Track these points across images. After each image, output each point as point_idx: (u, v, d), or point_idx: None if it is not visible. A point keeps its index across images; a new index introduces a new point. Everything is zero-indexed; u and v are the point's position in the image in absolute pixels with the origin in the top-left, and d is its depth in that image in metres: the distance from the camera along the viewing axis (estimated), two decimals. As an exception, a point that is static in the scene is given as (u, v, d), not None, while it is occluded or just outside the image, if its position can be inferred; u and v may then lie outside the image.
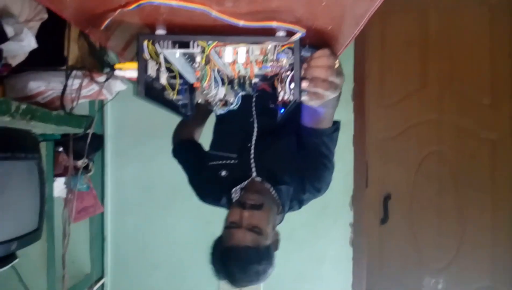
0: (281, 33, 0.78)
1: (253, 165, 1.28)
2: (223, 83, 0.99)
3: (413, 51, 2.59)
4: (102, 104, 2.30)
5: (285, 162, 1.28)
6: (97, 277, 2.46)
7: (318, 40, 0.83)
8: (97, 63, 1.58)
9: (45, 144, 1.62)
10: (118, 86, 1.62)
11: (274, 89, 0.97)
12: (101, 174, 2.52)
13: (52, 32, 1.38)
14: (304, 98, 0.80)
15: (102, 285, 2.55)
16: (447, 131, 2.57)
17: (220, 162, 1.33)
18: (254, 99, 1.35)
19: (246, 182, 1.27)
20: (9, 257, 1.27)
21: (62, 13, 0.77)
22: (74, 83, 1.45)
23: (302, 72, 0.79)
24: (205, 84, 0.93)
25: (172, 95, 0.96)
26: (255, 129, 1.33)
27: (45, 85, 1.40)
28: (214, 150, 1.41)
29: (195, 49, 0.81)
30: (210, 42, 0.80)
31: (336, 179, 1.30)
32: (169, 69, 0.90)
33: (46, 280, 1.71)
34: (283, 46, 0.80)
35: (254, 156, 1.29)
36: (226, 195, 1.30)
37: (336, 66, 0.80)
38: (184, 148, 1.54)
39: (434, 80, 2.57)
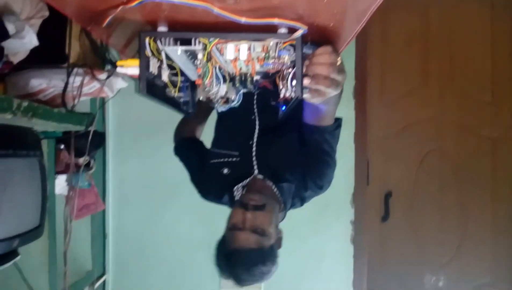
0: (282, 30, 0.78)
1: (255, 162, 1.28)
2: (224, 80, 0.98)
3: (415, 49, 2.59)
4: (103, 101, 2.30)
5: (286, 160, 1.28)
6: (99, 274, 2.47)
7: (319, 37, 0.83)
8: (98, 60, 1.58)
9: (46, 142, 1.62)
10: (119, 83, 1.62)
11: (276, 86, 0.97)
12: (103, 172, 2.52)
13: (53, 30, 1.37)
14: (305, 95, 0.80)
15: (104, 282, 2.55)
16: (448, 129, 2.57)
17: (222, 160, 1.33)
18: (255, 97, 1.35)
19: (248, 179, 1.27)
20: (11, 254, 1.27)
21: (64, 10, 0.77)
22: (75, 80, 1.44)
23: (304, 69, 0.79)
24: (207, 81, 0.93)
25: (173, 92, 0.96)
26: (257, 127, 1.33)
27: (46, 83, 1.40)
28: (215, 148, 1.41)
29: (196, 46, 0.81)
30: (211, 39, 0.80)
31: (337, 176, 1.30)
32: (171, 66, 0.90)
33: (48, 277, 1.71)
34: (284, 43, 0.80)
35: (255, 154, 1.29)
36: (228, 193, 1.30)
37: (338, 63, 0.80)
38: (186, 146, 1.54)
39: (435, 78, 2.57)
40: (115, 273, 2.61)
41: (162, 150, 2.47)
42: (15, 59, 1.28)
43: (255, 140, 1.31)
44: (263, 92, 1.08)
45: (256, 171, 1.27)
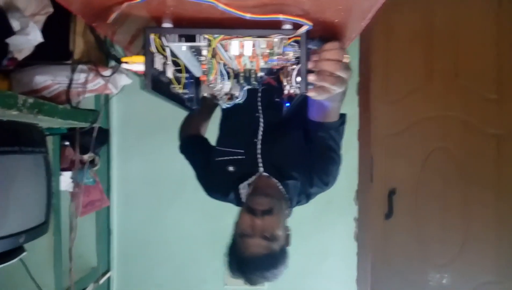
0: (287, 26, 0.77)
1: (260, 160, 1.28)
2: (229, 77, 0.99)
3: (419, 46, 2.58)
4: (107, 98, 2.30)
5: (291, 157, 1.28)
6: (103, 271, 2.48)
7: (324, 33, 0.83)
8: (102, 57, 1.58)
9: (51, 138, 1.63)
10: (123, 80, 1.62)
11: (280, 83, 0.97)
12: (107, 168, 2.53)
13: (57, 26, 1.38)
14: (310, 92, 0.80)
15: (108, 278, 2.56)
16: (452, 127, 2.56)
17: (227, 157, 1.33)
18: (259, 94, 1.35)
19: (253, 177, 1.27)
20: (17, 250, 1.28)
21: (69, 6, 0.77)
22: (80, 77, 1.45)
23: (310, 65, 0.79)
24: (211, 77, 0.93)
25: (178, 89, 0.96)
26: (261, 124, 1.33)
27: (51, 79, 1.40)
28: (220, 146, 1.41)
29: (201, 43, 0.81)
30: (216, 35, 0.80)
31: (341, 173, 1.30)
32: (175, 63, 0.90)
33: (53, 273, 1.72)
34: (289, 39, 0.80)
35: (260, 152, 1.29)
36: (234, 191, 1.31)
37: (346, 60, 0.79)
38: (191, 144, 1.54)
39: (439, 75, 2.56)
40: (120, 269, 2.62)
41: (166, 147, 2.47)
42: (20, 56, 1.29)
43: (259, 137, 1.31)
44: (267, 89, 1.08)
45: (261, 169, 1.27)
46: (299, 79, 0.80)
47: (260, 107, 1.35)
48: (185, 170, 1.51)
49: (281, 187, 1.24)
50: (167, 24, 0.80)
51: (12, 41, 1.18)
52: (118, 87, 1.63)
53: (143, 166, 2.60)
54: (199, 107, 1.14)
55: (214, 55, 0.87)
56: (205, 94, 1.12)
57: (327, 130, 1.19)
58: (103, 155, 2.42)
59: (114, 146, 2.59)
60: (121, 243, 2.61)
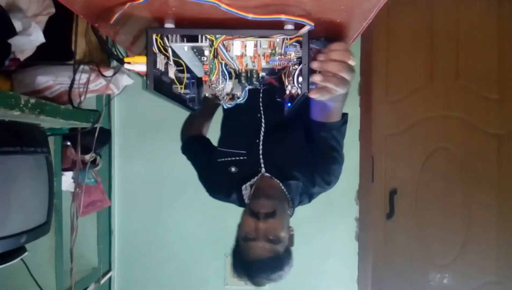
0: (289, 26, 0.77)
1: (261, 161, 1.28)
2: (230, 77, 0.99)
3: (419, 46, 2.58)
4: (109, 98, 2.31)
5: (293, 157, 1.28)
6: (105, 271, 2.48)
7: (326, 34, 0.83)
8: (104, 57, 1.59)
9: (53, 138, 1.63)
10: (125, 80, 1.62)
11: (281, 83, 0.97)
12: (108, 169, 2.53)
13: (59, 27, 1.38)
14: (312, 93, 0.80)
15: (110, 278, 2.57)
16: (453, 127, 2.56)
17: (229, 158, 1.33)
18: (261, 94, 1.35)
19: (255, 178, 1.27)
20: (19, 250, 1.28)
21: (72, 6, 0.77)
22: (81, 77, 1.45)
23: (314, 65, 0.79)
24: (213, 78, 0.93)
25: (180, 89, 0.96)
26: (263, 125, 1.33)
27: (53, 80, 1.41)
28: (222, 147, 1.41)
29: (203, 43, 0.81)
30: (218, 35, 0.80)
31: (342, 173, 1.30)
32: (177, 63, 0.90)
33: (54, 274, 1.72)
34: (291, 39, 0.80)
35: (262, 152, 1.29)
36: (236, 192, 1.31)
37: (351, 62, 0.78)
38: (193, 145, 1.54)
39: (441, 75, 2.56)
40: (121, 269, 2.62)
41: (168, 147, 2.48)
42: (22, 56, 1.29)
43: (261, 138, 1.31)
44: (268, 89, 1.08)
45: (263, 170, 1.27)
46: (300, 79, 0.80)
47: (261, 108, 1.35)
48: (187, 170, 1.51)
49: (283, 187, 1.24)
50: (169, 25, 0.80)
51: (14, 41, 1.18)
52: (120, 87, 1.63)
53: (145, 167, 2.61)
54: (200, 108, 1.14)
55: (216, 56, 0.87)
56: (207, 94, 1.12)
57: (330, 130, 1.19)
58: (105, 155, 2.42)
59: (116, 147, 2.59)
60: (122, 243, 2.62)
